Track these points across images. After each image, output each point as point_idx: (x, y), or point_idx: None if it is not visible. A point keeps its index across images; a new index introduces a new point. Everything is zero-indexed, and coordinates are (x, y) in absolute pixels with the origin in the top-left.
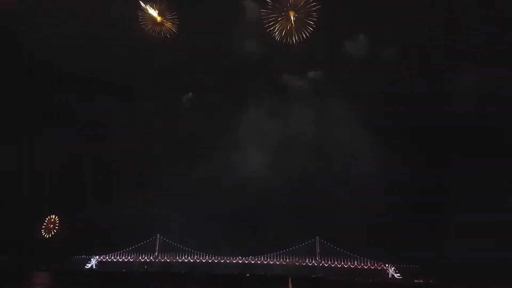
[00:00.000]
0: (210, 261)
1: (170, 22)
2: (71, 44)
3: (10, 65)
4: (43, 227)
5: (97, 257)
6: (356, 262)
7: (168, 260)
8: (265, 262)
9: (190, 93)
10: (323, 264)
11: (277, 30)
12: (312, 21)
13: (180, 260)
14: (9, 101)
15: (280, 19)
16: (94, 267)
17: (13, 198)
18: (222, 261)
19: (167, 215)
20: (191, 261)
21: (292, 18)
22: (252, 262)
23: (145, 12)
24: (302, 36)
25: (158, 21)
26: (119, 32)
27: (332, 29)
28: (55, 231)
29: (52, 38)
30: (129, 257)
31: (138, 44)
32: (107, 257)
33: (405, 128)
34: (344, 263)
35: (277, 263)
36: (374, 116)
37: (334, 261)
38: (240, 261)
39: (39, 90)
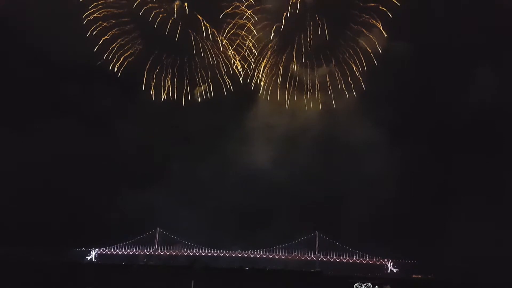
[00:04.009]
0: (209, 254)
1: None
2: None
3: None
4: None
5: (97, 249)
6: (355, 256)
7: (168, 254)
8: (264, 256)
9: (204, 85)
10: (321, 258)
11: None
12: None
13: (180, 254)
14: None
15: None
16: (94, 259)
17: (12, 191)
18: (221, 255)
19: (167, 208)
20: (191, 254)
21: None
22: (252, 256)
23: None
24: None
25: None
26: None
27: (346, 23)
28: None
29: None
30: (128, 250)
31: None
32: (106, 250)
33: (412, 126)
34: (343, 258)
35: (276, 257)
36: (383, 112)
37: (333, 255)
38: (240, 255)
39: (39, 81)
